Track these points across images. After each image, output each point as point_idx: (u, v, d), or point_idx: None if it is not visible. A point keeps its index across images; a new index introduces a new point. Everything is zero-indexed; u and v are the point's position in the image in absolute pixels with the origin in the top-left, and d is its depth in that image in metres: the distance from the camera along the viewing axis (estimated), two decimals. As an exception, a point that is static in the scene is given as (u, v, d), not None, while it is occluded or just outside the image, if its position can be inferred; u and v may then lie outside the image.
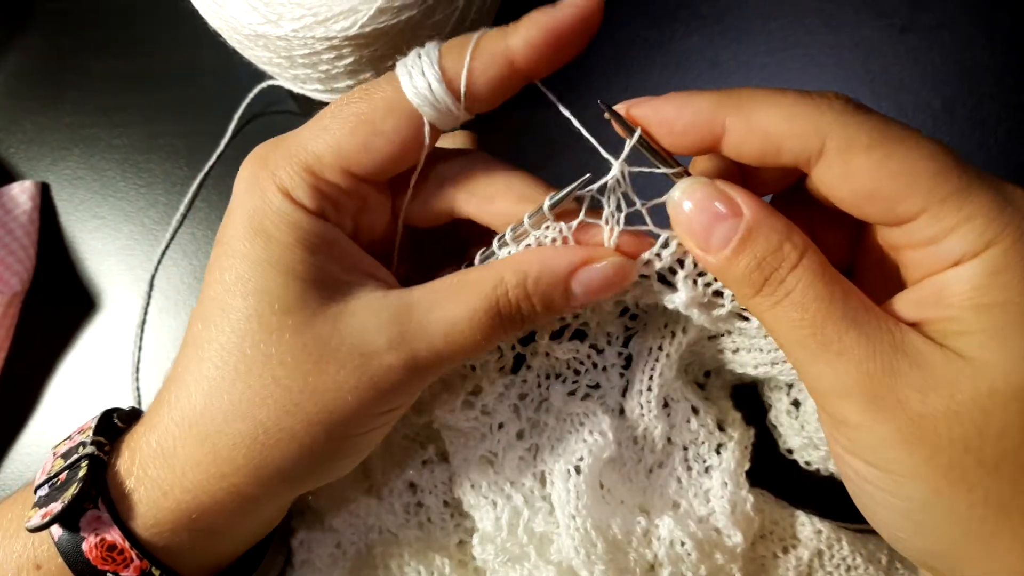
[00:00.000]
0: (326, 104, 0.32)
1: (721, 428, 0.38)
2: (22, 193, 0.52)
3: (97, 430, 0.33)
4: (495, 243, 0.32)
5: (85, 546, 0.30)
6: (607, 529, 0.33)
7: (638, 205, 0.30)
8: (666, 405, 0.37)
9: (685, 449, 0.37)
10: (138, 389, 0.50)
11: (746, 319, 0.32)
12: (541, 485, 0.36)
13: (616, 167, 0.30)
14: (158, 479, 0.31)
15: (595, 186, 0.30)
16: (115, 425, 0.34)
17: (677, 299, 0.31)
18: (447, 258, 0.36)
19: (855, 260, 0.33)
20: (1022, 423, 0.24)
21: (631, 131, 0.29)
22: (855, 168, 0.26)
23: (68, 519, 0.30)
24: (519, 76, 0.30)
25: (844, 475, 0.29)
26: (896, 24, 0.50)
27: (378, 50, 0.45)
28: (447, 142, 0.44)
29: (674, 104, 0.29)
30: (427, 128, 0.30)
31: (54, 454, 0.33)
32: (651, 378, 0.36)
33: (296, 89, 0.50)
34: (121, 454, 0.32)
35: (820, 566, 0.37)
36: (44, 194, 0.54)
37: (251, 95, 0.52)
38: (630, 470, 0.37)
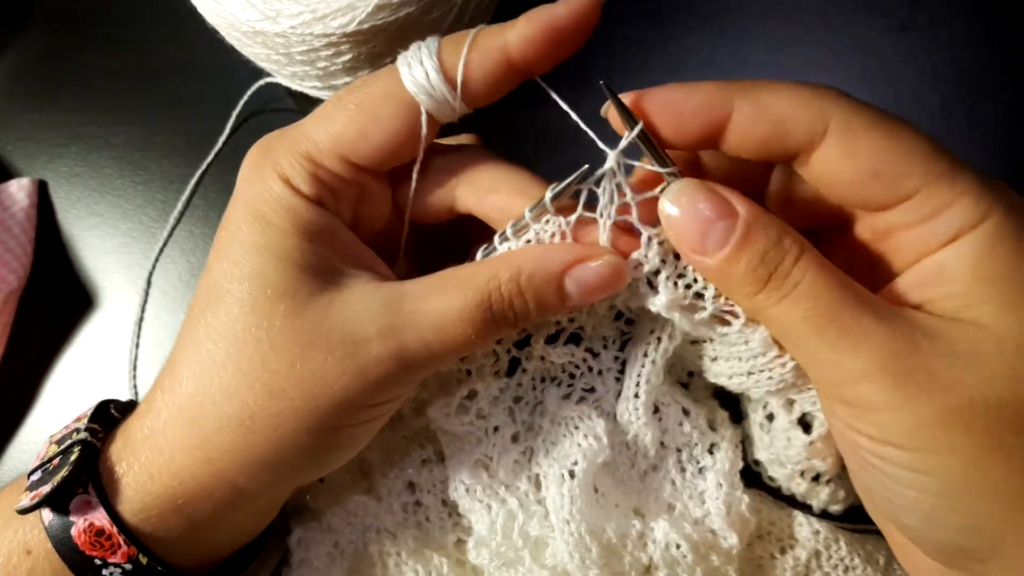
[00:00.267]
0: (324, 101, 0.32)
1: (712, 428, 0.38)
2: (20, 190, 0.52)
3: (92, 418, 0.33)
4: (496, 239, 0.32)
5: (74, 531, 0.30)
6: (602, 533, 0.33)
7: (628, 198, 0.30)
8: (656, 410, 0.37)
9: (679, 451, 0.37)
10: (135, 386, 0.50)
11: (727, 323, 0.32)
12: (536, 488, 0.36)
13: (612, 157, 0.30)
14: (147, 463, 0.31)
15: (593, 177, 0.30)
16: (111, 415, 0.35)
17: (658, 301, 0.31)
18: (451, 257, 0.37)
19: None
20: None
21: (632, 121, 0.29)
22: (860, 147, 0.27)
23: (57, 502, 0.30)
24: (516, 71, 0.30)
25: (865, 469, 0.28)
26: (895, 23, 0.50)
27: (376, 47, 0.45)
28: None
29: (680, 91, 0.29)
30: (424, 118, 0.30)
31: (50, 441, 0.34)
32: (638, 384, 0.35)
33: (294, 86, 0.50)
34: (114, 440, 0.32)
35: (818, 566, 0.37)
36: (41, 191, 0.54)
37: (249, 92, 0.52)
38: (624, 474, 0.37)
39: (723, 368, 0.34)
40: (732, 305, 0.31)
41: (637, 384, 0.35)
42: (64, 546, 0.30)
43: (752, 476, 0.38)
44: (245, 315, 0.29)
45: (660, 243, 0.30)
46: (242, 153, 0.32)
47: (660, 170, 0.29)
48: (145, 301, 0.51)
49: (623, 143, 0.29)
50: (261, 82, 0.51)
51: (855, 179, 0.27)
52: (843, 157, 0.27)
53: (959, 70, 0.49)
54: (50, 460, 0.32)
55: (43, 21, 0.58)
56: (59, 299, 0.52)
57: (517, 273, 0.30)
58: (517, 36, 0.29)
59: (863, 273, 0.30)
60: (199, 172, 0.53)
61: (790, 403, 0.34)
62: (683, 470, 0.37)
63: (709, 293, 0.31)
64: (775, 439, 0.36)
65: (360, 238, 0.33)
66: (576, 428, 0.35)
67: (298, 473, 0.32)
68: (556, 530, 0.33)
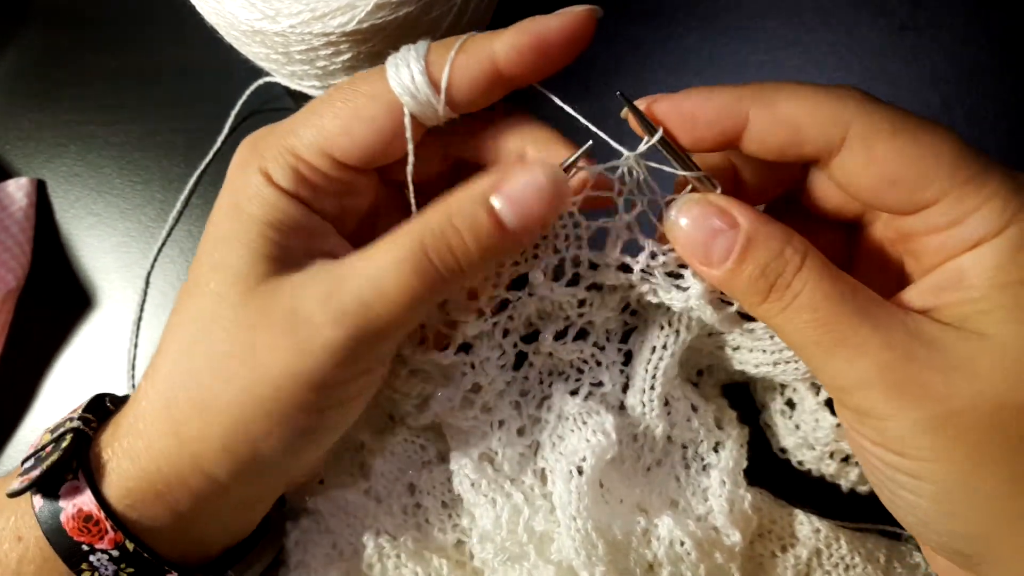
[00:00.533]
0: (317, 99, 0.32)
1: (719, 426, 0.38)
2: (18, 190, 0.52)
3: (87, 409, 0.34)
4: None
5: (63, 516, 0.30)
6: (608, 530, 0.33)
7: (639, 207, 0.31)
8: (667, 403, 0.37)
9: (684, 447, 0.38)
10: (134, 386, 0.50)
11: (753, 319, 0.32)
12: (541, 483, 0.36)
13: (631, 160, 0.30)
14: (128, 448, 0.31)
15: (604, 166, 0.31)
16: (106, 406, 0.35)
17: (691, 293, 0.31)
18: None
19: (852, 262, 0.33)
20: None
21: (650, 129, 0.29)
22: (879, 154, 0.27)
23: (47, 486, 0.31)
24: (503, 80, 0.30)
25: (869, 468, 0.29)
26: (895, 23, 0.50)
27: (375, 46, 0.45)
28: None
29: (696, 98, 0.29)
30: (407, 119, 0.30)
31: (45, 431, 0.34)
32: (654, 376, 0.36)
33: (293, 85, 0.50)
34: (105, 429, 0.33)
35: (819, 565, 0.37)
36: (40, 191, 0.54)
37: (248, 92, 0.52)
38: (629, 468, 0.37)
39: (747, 357, 0.35)
40: None
41: (653, 376, 0.36)
42: (53, 532, 0.30)
43: (754, 475, 0.38)
44: (210, 303, 0.30)
45: None
46: (242, 153, 0.32)
47: (684, 173, 0.30)
48: (144, 300, 0.51)
49: (641, 147, 0.30)
50: (260, 81, 0.51)
51: (873, 186, 0.28)
52: (861, 164, 0.27)
53: (959, 70, 0.49)
54: (43, 448, 0.32)
55: (43, 21, 0.58)
56: (57, 299, 0.52)
57: (447, 210, 0.29)
58: (505, 46, 0.29)
59: (887, 271, 0.30)
60: (198, 171, 0.53)
61: (816, 387, 0.35)
62: (688, 466, 0.37)
63: None
64: (802, 422, 0.36)
65: (346, 228, 0.33)
66: (584, 424, 0.35)
67: (270, 464, 0.31)
68: (563, 526, 0.33)
